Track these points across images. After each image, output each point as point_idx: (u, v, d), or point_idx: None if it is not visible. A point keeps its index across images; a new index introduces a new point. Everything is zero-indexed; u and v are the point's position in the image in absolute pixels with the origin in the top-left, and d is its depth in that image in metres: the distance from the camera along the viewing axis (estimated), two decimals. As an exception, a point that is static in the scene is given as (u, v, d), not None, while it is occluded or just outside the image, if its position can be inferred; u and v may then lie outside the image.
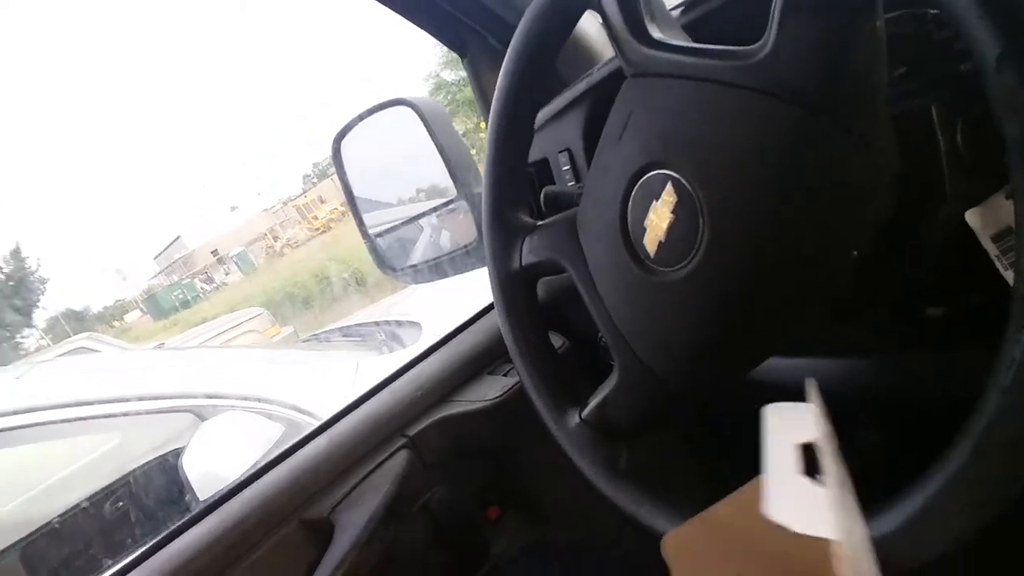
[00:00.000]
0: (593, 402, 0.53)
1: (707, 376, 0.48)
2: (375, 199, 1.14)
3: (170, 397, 1.72)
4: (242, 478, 0.71)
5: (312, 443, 0.72)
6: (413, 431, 0.73)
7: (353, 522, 0.65)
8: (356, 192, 1.08)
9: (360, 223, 1.10)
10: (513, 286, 0.58)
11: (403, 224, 1.09)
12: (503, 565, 0.75)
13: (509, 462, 0.80)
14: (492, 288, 0.59)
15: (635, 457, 0.53)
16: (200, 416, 1.60)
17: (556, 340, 0.79)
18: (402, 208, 1.12)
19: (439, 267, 1.02)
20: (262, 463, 0.72)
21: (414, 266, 1.08)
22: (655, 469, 0.54)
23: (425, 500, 0.74)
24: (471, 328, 0.84)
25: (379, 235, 1.09)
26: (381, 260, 1.11)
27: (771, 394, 0.56)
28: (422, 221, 1.07)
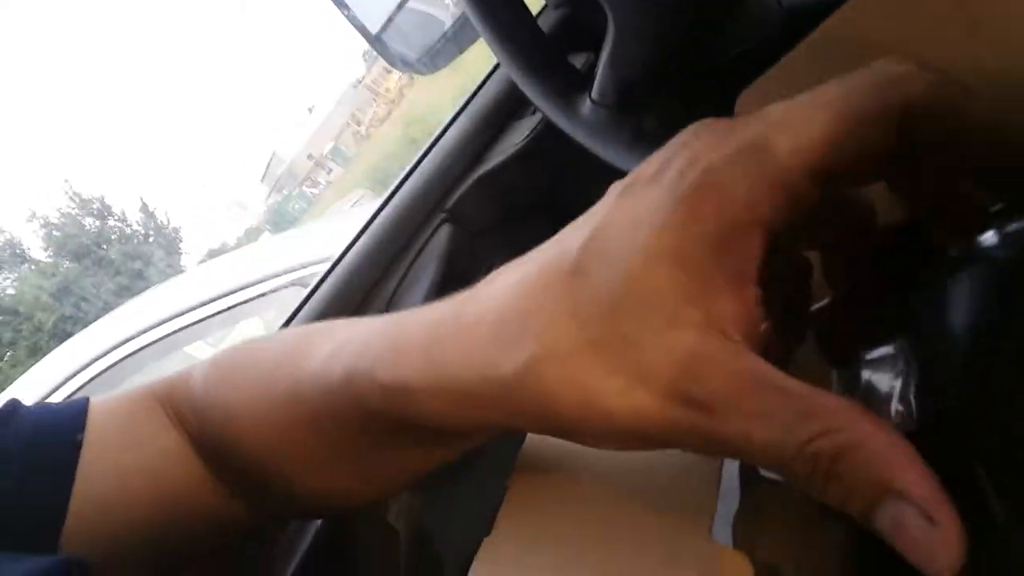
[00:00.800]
0: (599, 73, 0.44)
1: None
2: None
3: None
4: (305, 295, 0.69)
5: (358, 243, 0.68)
6: (450, 203, 0.67)
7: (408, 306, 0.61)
8: (345, -6, 0.98)
9: (361, 29, 1.00)
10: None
11: (398, 10, 0.98)
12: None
13: (567, 208, 0.72)
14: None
15: (663, 122, 0.43)
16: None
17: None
18: (393, -9, 1.00)
19: (450, 43, 0.91)
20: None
21: (428, 51, 0.98)
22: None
23: (488, 268, 0.68)
24: (490, 80, 0.73)
25: (382, 32, 0.99)
26: (395, 58, 1.01)
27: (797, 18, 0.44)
28: (412, 2, 0.96)
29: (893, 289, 0.24)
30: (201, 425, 0.37)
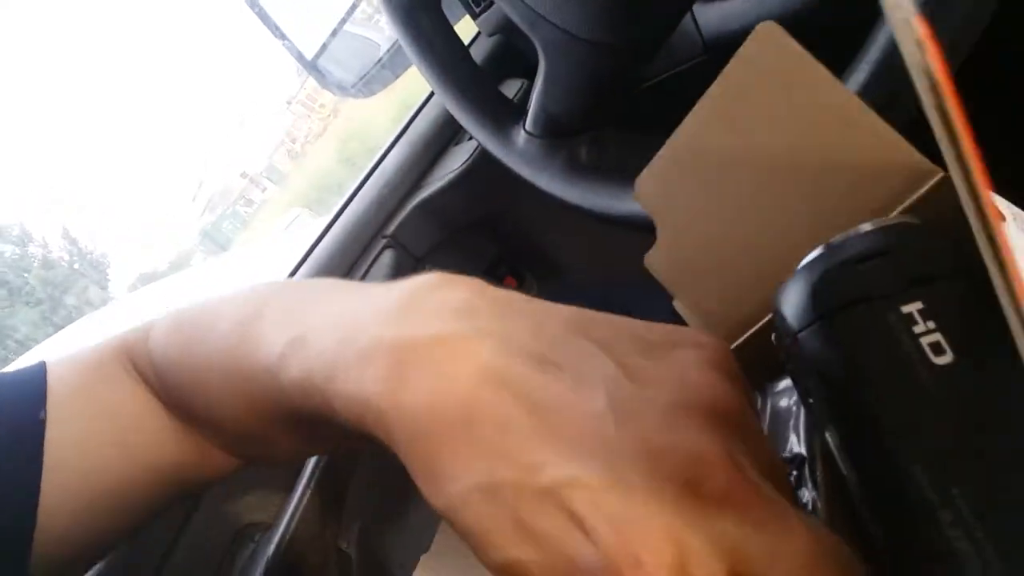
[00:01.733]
0: (532, 106, 0.46)
1: (634, 22, 0.39)
2: (299, 18, 1.03)
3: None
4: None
5: (302, 268, 0.68)
6: (391, 228, 0.68)
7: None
8: (279, 21, 0.98)
9: (298, 56, 1.00)
10: (411, 10, 0.49)
11: (332, 37, 0.98)
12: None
13: (507, 227, 0.74)
14: (390, 23, 0.50)
15: (599, 151, 0.46)
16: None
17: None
18: (326, 19, 1.01)
19: (384, 69, 0.92)
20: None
21: (363, 77, 0.98)
22: (626, 157, 0.47)
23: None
24: (427, 105, 0.75)
25: (317, 58, 1.00)
26: (331, 84, 1.02)
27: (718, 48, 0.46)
28: (347, 26, 0.97)
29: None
30: (163, 387, 0.37)
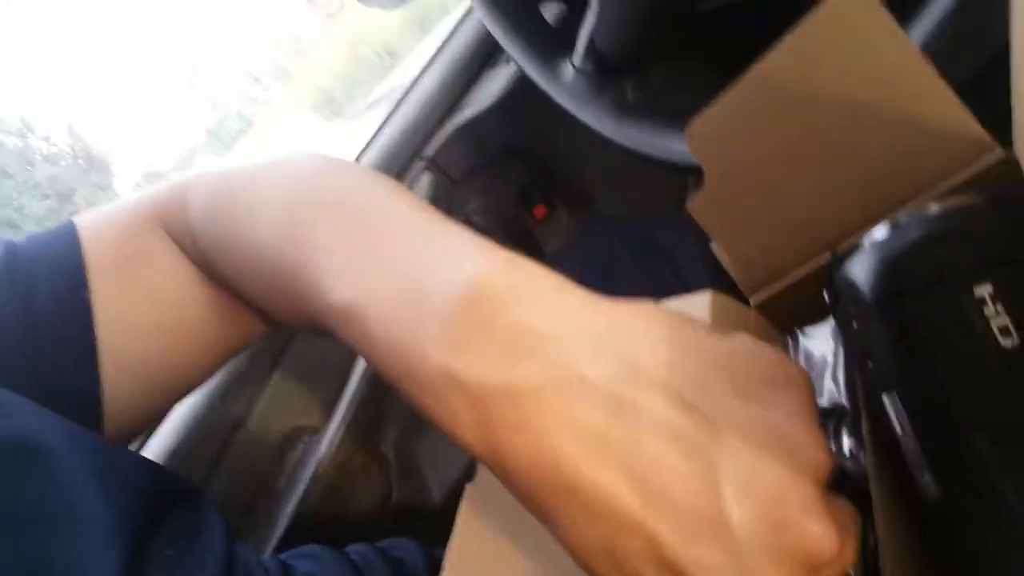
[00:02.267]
0: (581, 42, 0.46)
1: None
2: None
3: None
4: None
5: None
6: (430, 151, 0.69)
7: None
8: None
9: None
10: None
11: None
12: (559, 259, 0.73)
13: (541, 154, 0.75)
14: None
15: (645, 91, 0.47)
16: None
17: None
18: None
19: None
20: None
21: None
22: (671, 98, 0.48)
23: (465, 215, 0.72)
24: (462, 26, 0.75)
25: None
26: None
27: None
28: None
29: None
30: (204, 263, 0.38)
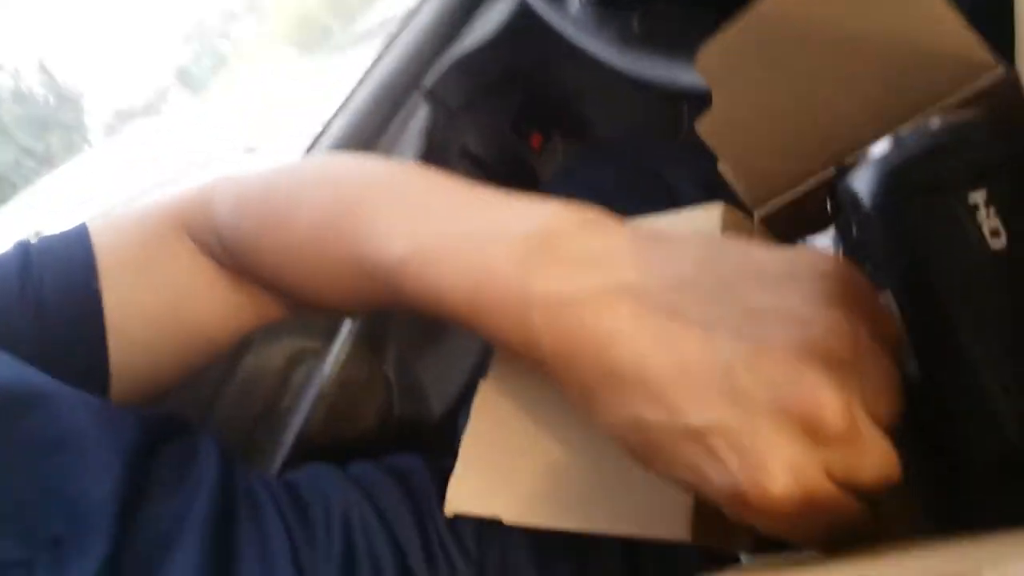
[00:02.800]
0: (588, -29, 0.47)
1: None
2: None
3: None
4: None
5: (334, 123, 0.70)
6: (429, 81, 0.70)
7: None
8: None
9: None
10: None
11: None
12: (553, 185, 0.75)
13: (540, 82, 0.76)
14: None
15: (650, 21, 0.48)
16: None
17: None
18: None
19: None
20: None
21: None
22: (677, 28, 0.49)
23: (461, 145, 0.73)
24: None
25: None
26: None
27: None
28: None
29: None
30: (235, 262, 0.39)
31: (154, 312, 0.40)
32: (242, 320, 0.42)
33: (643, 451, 0.23)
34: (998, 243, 0.24)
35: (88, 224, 0.40)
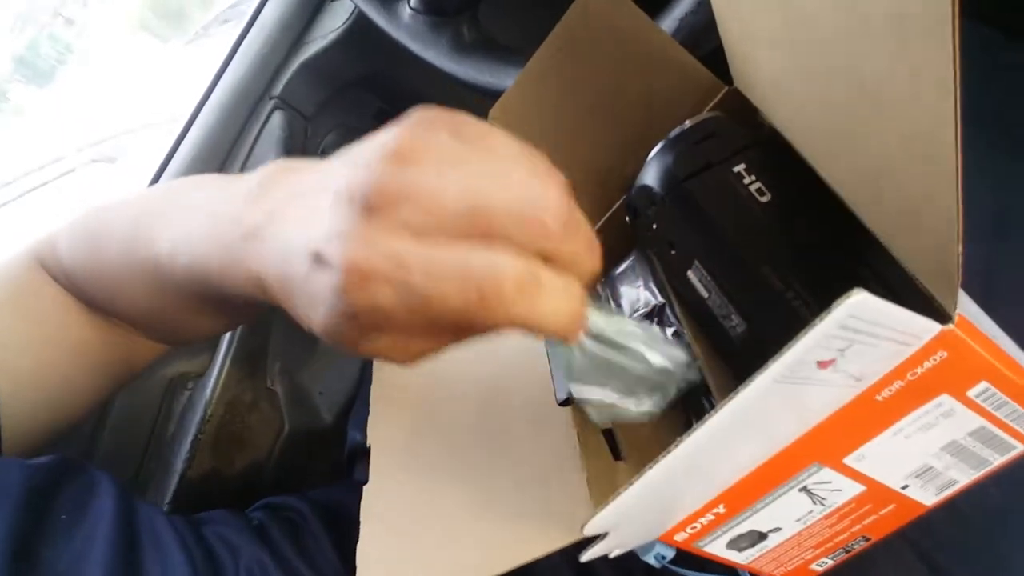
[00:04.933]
0: (415, -17, 0.48)
1: None
2: None
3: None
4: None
5: (186, 141, 0.69)
6: (278, 89, 0.69)
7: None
8: None
9: None
10: None
11: None
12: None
13: (393, 81, 0.77)
14: None
15: (478, 28, 0.50)
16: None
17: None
18: None
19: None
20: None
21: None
22: (505, 33, 0.51)
23: (322, 149, 0.73)
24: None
25: None
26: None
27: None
28: None
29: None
30: (73, 287, 0.41)
31: (30, 337, 0.41)
32: (109, 346, 0.43)
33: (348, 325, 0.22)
34: (765, 199, 0.30)
35: None
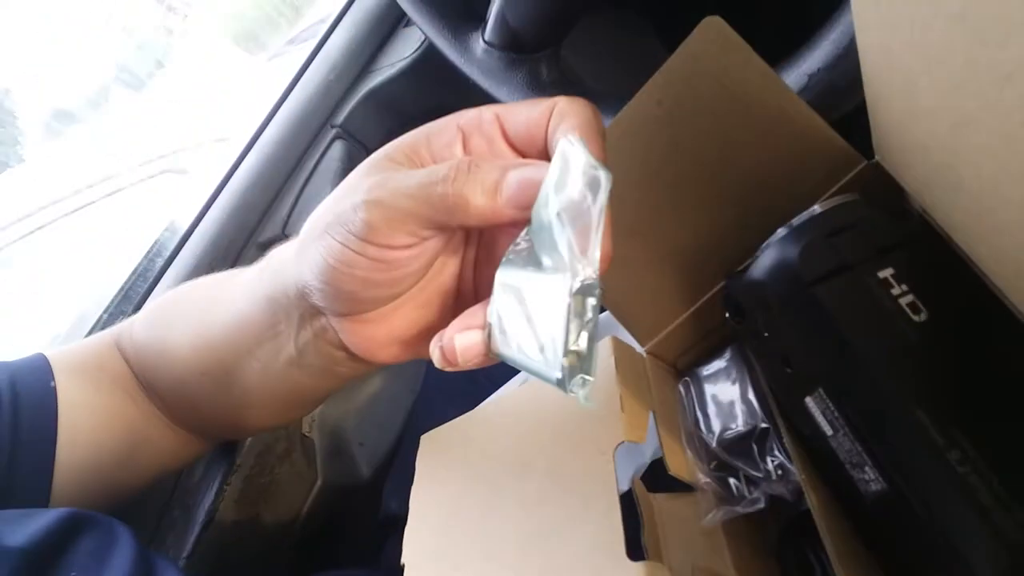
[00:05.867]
0: (492, 16, 0.43)
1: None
2: None
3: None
4: (187, 223, 0.67)
5: (243, 165, 0.66)
6: (340, 118, 0.65)
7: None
8: None
9: None
10: None
11: None
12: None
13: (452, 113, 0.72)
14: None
15: (559, 67, 0.44)
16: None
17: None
18: None
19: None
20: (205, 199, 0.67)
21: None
22: (586, 74, 0.46)
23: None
24: (371, -20, 0.69)
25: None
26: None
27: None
28: None
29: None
30: (139, 367, 0.41)
31: (96, 411, 0.40)
32: (162, 442, 0.43)
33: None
34: (920, 316, 0.23)
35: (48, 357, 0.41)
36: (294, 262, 0.30)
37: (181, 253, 0.65)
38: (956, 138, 0.21)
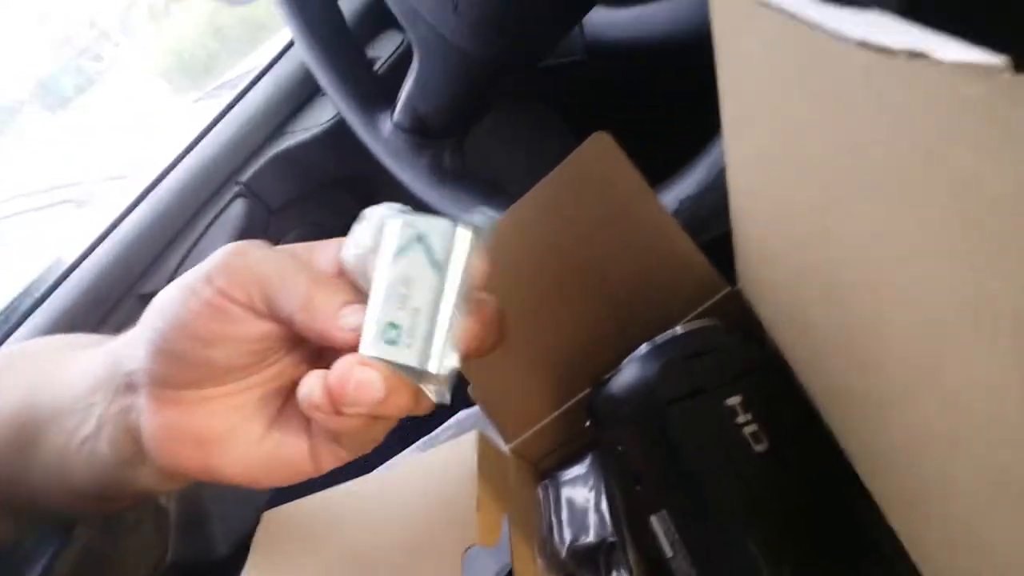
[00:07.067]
0: (401, 100, 0.44)
1: (513, 39, 0.39)
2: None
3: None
4: (71, 261, 0.63)
5: (137, 210, 0.63)
6: (246, 175, 0.64)
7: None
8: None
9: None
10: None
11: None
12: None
13: (371, 186, 0.72)
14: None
15: (462, 156, 0.45)
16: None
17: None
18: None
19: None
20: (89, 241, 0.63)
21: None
22: (488, 165, 0.47)
23: (280, 243, 0.67)
24: (295, 47, 0.70)
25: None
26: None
27: (600, 53, 0.47)
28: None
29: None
30: None
31: None
32: None
33: None
34: (761, 447, 0.23)
35: None
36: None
37: (54, 295, 0.61)
38: (804, 281, 0.22)
